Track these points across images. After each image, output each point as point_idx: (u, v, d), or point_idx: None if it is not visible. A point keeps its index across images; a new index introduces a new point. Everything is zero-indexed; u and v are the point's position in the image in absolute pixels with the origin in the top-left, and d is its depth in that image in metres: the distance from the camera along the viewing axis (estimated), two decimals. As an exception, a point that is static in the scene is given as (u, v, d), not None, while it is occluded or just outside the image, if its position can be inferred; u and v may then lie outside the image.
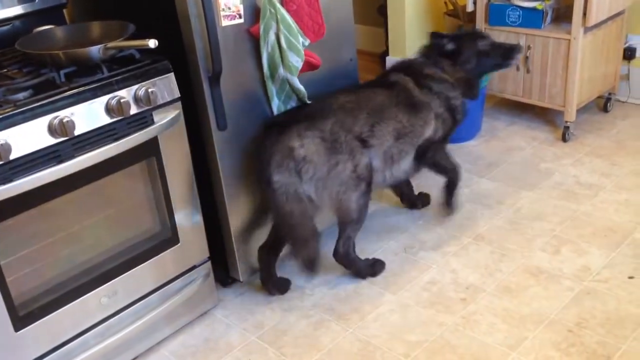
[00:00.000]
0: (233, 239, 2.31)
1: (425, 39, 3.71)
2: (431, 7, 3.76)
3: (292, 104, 2.31)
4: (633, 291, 2.27)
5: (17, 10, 2.15)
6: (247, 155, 2.25)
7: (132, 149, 1.90)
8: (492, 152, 3.28)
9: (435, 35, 2.65)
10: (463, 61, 2.58)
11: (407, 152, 2.43)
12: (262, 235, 2.38)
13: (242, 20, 2.07)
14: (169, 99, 1.99)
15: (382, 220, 2.81)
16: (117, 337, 2.03)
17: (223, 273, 2.43)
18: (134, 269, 2.05)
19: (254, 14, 2.11)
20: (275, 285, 2.41)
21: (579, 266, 2.42)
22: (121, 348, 2.07)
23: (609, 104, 3.56)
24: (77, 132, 1.78)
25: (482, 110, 3.46)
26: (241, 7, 2.05)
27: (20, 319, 1.81)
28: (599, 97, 3.51)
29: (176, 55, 2.03)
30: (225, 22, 2.03)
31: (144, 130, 1.92)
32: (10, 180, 1.67)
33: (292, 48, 2.14)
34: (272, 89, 2.23)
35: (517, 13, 3.21)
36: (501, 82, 3.40)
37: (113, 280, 2.01)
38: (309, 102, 2.30)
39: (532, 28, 3.20)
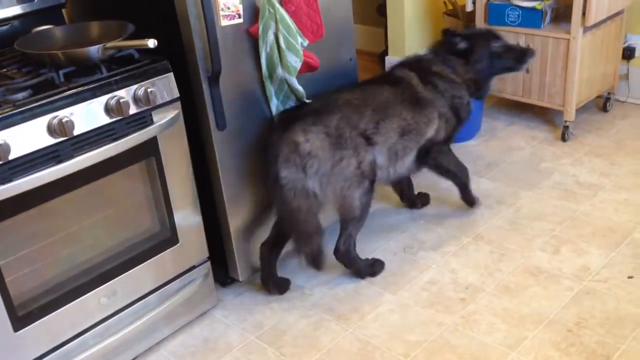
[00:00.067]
0: (232, 238, 2.31)
1: (424, 39, 3.72)
2: (430, 7, 3.76)
3: (291, 104, 2.31)
4: (632, 291, 2.27)
5: (16, 10, 2.15)
6: (247, 155, 2.25)
7: (131, 149, 1.90)
8: (492, 152, 3.28)
9: (448, 33, 2.62)
10: (474, 61, 2.56)
11: (412, 148, 2.44)
12: (261, 235, 2.38)
13: (241, 20, 2.07)
14: (168, 99, 1.99)
15: (381, 220, 2.81)
16: (116, 337, 2.03)
17: (222, 273, 2.43)
18: (133, 269, 2.05)
19: (253, 13, 2.11)
20: (275, 285, 2.41)
21: (578, 266, 2.42)
22: (120, 348, 2.07)
23: (608, 104, 3.56)
24: (76, 132, 1.78)
25: (482, 110, 3.46)
26: (240, 7, 2.05)
27: (20, 319, 1.81)
28: (598, 96, 3.51)
29: (175, 55, 2.03)
30: (224, 22, 2.02)
31: (143, 130, 1.92)
32: (10, 180, 1.67)
33: (290, 48, 2.14)
34: (270, 89, 2.23)
35: (517, 13, 3.21)
36: (500, 81, 3.40)
37: (112, 281, 2.01)
38: (307, 101, 2.30)
39: (532, 28, 3.20)
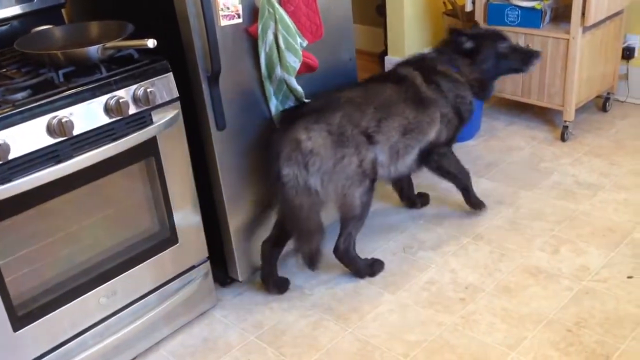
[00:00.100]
0: (232, 238, 2.31)
1: (424, 39, 3.73)
2: (430, 7, 3.76)
3: (290, 103, 2.31)
4: (632, 291, 2.27)
5: (16, 10, 2.15)
6: (247, 155, 2.25)
7: (130, 149, 1.90)
8: (491, 152, 3.28)
9: (454, 32, 2.61)
10: (480, 61, 2.55)
11: (413, 147, 2.43)
12: (261, 235, 2.38)
13: (240, 20, 2.07)
14: (167, 99, 1.98)
15: (381, 220, 2.81)
16: (116, 337, 2.03)
17: (222, 273, 2.43)
18: (132, 269, 2.05)
19: (253, 13, 2.11)
20: (275, 284, 2.41)
21: (577, 266, 2.42)
22: (120, 348, 2.07)
23: (607, 104, 3.56)
24: (75, 132, 1.78)
25: (481, 110, 3.46)
26: (240, 7, 2.05)
27: (19, 319, 1.81)
28: (598, 96, 3.51)
29: (175, 55, 2.03)
30: (224, 22, 2.02)
31: (143, 130, 1.91)
32: (9, 180, 1.67)
33: (290, 48, 2.14)
34: (269, 89, 2.23)
35: (516, 13, 3.21)
36: (500, 81, 3.39)
37: (112, 280, 2.01)
38: (307, 101, 2.30)
39: (531, 28, 3.20)
